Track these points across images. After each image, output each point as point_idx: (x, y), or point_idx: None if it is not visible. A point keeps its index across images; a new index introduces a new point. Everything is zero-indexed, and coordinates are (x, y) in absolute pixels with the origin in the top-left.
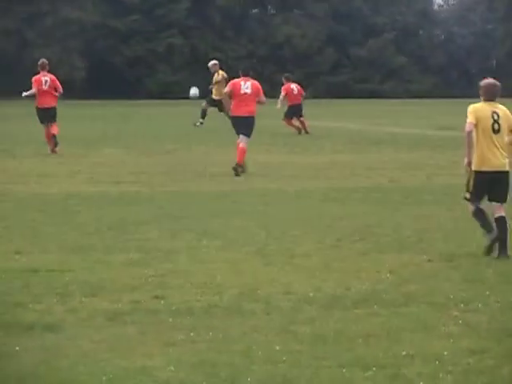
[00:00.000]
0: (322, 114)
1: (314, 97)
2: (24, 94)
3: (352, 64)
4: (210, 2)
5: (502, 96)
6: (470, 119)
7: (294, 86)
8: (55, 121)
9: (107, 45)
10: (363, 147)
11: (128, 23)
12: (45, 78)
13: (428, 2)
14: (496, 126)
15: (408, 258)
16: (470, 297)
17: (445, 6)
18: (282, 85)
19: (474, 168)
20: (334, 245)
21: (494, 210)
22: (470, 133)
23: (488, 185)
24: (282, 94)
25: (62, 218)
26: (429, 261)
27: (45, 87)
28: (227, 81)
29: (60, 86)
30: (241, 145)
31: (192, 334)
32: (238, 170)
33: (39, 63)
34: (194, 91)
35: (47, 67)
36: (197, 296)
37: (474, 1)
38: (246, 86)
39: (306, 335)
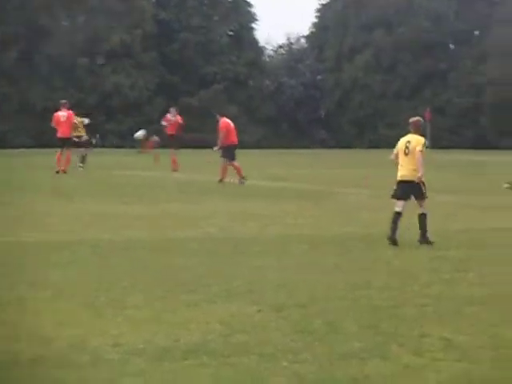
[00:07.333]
0: (151, 164)
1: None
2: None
3: (183, 113)
4: (38, 52)
5: (341, 147)
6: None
7: None
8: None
9: None
10: (193, 197)
11: None
12: (62, 114)
13: (258, 53)
14: (407, 151)
15: (238, 308)
16: (298, 347)
17: (274, 57)
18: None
19: None
20: (164, 296)
21: None
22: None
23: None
24: None
25: None
26: (258, 311)
27: (62, 120)
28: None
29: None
30: None
31: None
32: None
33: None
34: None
35: (67, 105)
36: (23, 347)
37: (303, 52)
38: None
39: None
